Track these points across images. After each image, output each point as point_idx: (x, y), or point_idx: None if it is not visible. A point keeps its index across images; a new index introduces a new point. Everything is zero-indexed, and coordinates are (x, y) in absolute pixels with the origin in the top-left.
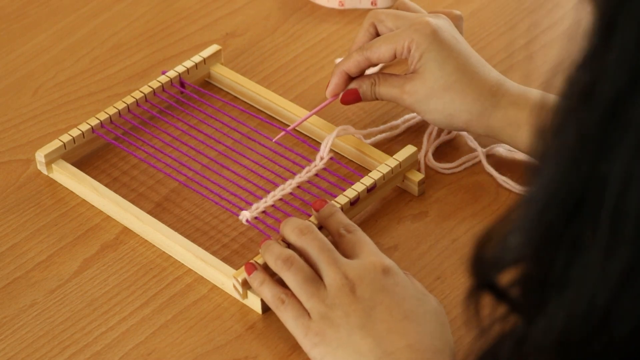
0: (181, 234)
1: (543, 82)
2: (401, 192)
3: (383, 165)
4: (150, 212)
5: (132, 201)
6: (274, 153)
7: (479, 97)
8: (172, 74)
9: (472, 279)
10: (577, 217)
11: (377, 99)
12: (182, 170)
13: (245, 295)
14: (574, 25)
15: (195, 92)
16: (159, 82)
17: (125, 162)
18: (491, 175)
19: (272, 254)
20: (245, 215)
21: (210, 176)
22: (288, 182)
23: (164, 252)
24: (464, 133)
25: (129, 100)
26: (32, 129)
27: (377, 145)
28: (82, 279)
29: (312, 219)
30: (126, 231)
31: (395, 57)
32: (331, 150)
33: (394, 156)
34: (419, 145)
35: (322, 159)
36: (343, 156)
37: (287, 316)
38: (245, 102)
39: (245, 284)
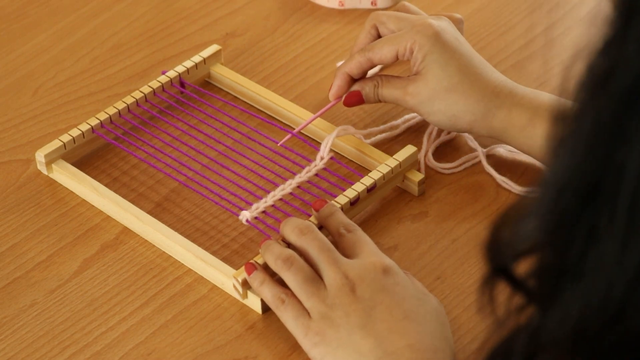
0: (181, 234)
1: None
2: (401, 192)
3: (383, 165)
4: (150, 212)
5: (132, 201)
6: (274, 153)
7: (482, 98)
8: (172, 74)
9: (488, 265)
10: (593, 205)
11: (380, 101)
12: (182, 170)
13: (245, 295)
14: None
15: (195, 92)
16: (159, 82)
17: (125, 162)
18: (491, 176)
19: (272, 254)
20: (245, 215)
21: (210, 176)
22: (288, 182)
23: (164, 252)
24: (464, 133)
25: (129, 100)
26: (32, 129)
27: (377, 145)
28: (82, 279)
29: (312, 219)
30: (126, 231)
31: (397, 58)
32: (331, 150)
33: (394, 156)
34: (419, 145)
35: (322, 159)
36: (343, 156)
37: (287, 316)
38: (245, 102)
39: (245, 284)
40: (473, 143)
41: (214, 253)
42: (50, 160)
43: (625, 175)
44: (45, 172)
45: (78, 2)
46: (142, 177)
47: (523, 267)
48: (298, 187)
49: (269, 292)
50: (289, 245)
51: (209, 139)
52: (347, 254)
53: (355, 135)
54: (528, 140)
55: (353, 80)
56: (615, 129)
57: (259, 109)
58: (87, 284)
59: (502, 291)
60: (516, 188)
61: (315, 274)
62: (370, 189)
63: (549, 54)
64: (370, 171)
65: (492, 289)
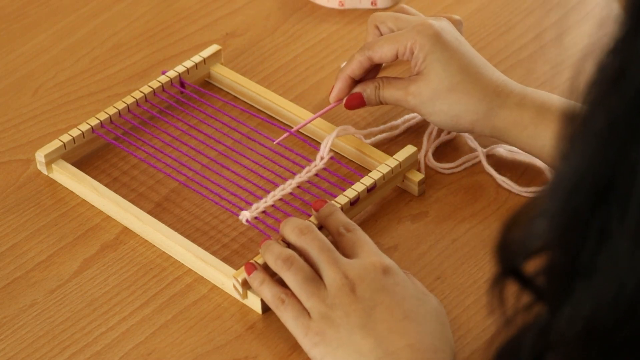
0: (181, 234)
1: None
2: (401, 192)
3: (383, 165)
4: (150, 212)
5: (132, 201)
6: (274, 153)
7: (484, 98)
8: (172, 74)
9: (498, 265)
10: (605, 204)
11: (381, 103)
12: (182, 170)
13: (245, 295)
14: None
15: (195, 92)
16: (159, 82)
17: (125, 162)
18: (491, 176)
19: (272, 254)
20: (245, 215)
21: (210, 176)
22: (288, 182)
23: (164, 252)
24: (465, 133)
25: (129, 100)
26: (32, 129)
27: (377, 145)
28: (82, 279)
29: (312, 219)
30: (126, 231)
31: (397, 57)
32: (331, 150)
33: (394, 156)
34: (419, 145)
35: (322, 158)
36: (343, 156)
37: (287, 316)
38: (245, 102)
39: (245, 284)
40: (473, 143)
41: (214, 253)
42: (50, 160)
43: (637, 174)
44: (45, 172)
45: (78, 2)
46: (142, 177)
47: (532, 266)
48: (298, 187)
49: (269, 292)
50: (289, 245)
51: (209, 139)
52: (347, 254)
53: (355, 135)
54: (530, 139)
55: (354, 83)
56: (627, 129)
57: (259, 109)
58: (87, 284)
59: (512, 292)
60: (516, 188)
61: (315, 274)
62: (370, 189)
63: (549, 54)
64: (370, 171)
65: (502, 290)
